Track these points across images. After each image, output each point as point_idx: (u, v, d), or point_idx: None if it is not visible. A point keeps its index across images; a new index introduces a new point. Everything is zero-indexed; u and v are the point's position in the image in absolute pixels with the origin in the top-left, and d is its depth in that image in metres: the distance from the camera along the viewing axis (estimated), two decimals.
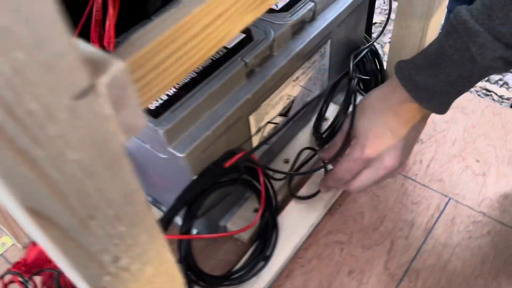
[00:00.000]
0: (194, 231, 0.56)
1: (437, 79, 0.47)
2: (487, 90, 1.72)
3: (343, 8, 0.57)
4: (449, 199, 0.58)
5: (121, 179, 0.22)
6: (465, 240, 0.54)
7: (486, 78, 1.75)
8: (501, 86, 1.74)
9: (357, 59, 0.61)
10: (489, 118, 0.67)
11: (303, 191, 0.59)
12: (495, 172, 0.61)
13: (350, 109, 0.55)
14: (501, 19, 0.41)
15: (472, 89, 1.73)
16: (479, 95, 1.70)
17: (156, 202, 0.60)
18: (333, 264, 0.53)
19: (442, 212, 0.57)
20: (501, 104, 1.68)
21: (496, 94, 1.70)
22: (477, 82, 0.48)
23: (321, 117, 0.64)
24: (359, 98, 0.68)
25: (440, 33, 0.48)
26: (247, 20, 0.33)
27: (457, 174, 0.61)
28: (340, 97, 0.70)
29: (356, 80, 0.57)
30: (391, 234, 0.56)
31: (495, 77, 1.75)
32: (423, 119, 0.53)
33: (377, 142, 0.49)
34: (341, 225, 0.57)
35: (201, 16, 0.29)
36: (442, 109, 0.50)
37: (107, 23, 0.47)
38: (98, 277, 0.24)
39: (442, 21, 0.63)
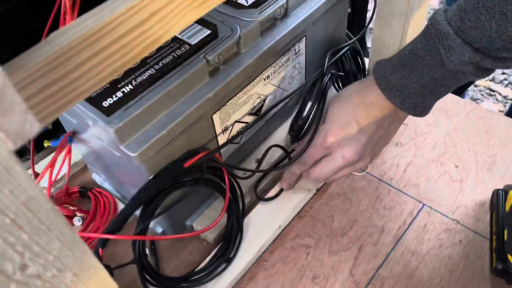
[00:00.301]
0: (159, 230, 0.55)
1: (410, 80, 0.46)
2: (491, 90, 1.68)
3: (318, 5, 0.55)
4: (423, 205, 0.57)
5: (16, 186, 0.21)
6: (435, 248, 0.53)
7: (491, 77, 1.71)
8: (506, 86, 1.69)
9: (335, 57, 0.60)
10: (473, 122, 0.65)
11: (272, 194, 0.57)
12: (474, 178, 0.59)
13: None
14: (472, 22, 0.40)
15: (475, 88, 1.69)
16: (482, 94, 1.66)
17: (124, 199, 0.60)
18: (297, 268, 0.52)
19: (414, 218, 0.55)
20: (504, 105, 1.64)
21: (500, 94, 1.66)
22: (453, 87, 0.46)
23: (299, 116, 0.63)
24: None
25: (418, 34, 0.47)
26: (189, 19, 0.32)
27: (433, 179, 0.59)
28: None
29: (329, 75, 0.56)
30: (360, 239, 0.54)
31: (499, 76, 1.70)
32: (396, 121, 0.51)
33: (341, 131, 0.49)
34: (309, 229, 0.55)
35: (130, 14, 0.27)
36: (418, 112, 0.48)
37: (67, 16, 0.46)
38: (4, 285, 0.23)
39: (425, 20, 0.60)
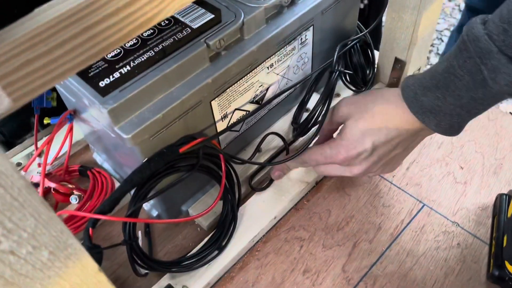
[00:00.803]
0: (155, 213, 0.55)
1: (446, 102, 0.41)
2: None
3: None
4: (423, 205, 0.55)
5: None
6: (432, 250, 0.51)
7: None
8: None
9: (343, 50, 0.58)
10: (483, 123, 0.63)
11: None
12: (478, 181, 0.57)
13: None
14: None
15: None
16: None
17: (122, 180, 0.60)
18: (289, 260, 0.52)
19: (413, 218, 0.54)
20: None
21: None
22: (493, 105, 0.42)
23: (302, 107, 0.62)
24: (345, 92, 0.65)
25: (451, 49, 0.42)
26: (184, 0, 0.31)
27: (436, 179, 0.58)
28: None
29: (337, 73, 0.54)
30: (356, 236, 0.53)
31: None
32: (419, 139, 0.48)
33: (354, 151, 0.47)
34: (305, 221, 0.55)
35: None
36: (453, 131, 0.44)
37: None
38: None
39: (438, 16, 0.58)
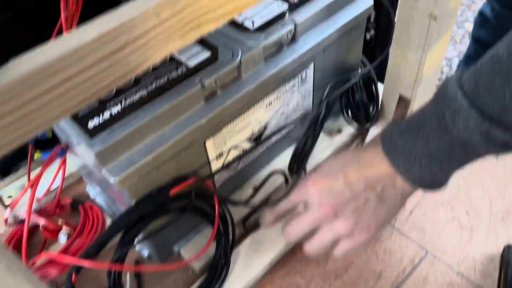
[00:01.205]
0: (146, 252, 0.53)
1: (416, 145, 0.40)
2: None
3: (330, 31, 0.52)
4: (427, 252, 0.53)
5: None
6: None
7: None
8: None
9: (341, 90, 0.56)
10: (491, 165, 0.60)
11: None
12: (485, 228, 0.54)
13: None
14: (485, 86, 0.35)
15: None
16: None
17: (115, 216, 0.58)
18: None
19: (416, 266, 0.51)
20: None
21: None
22: (466, 162, 0.40)
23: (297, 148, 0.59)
24: (347, 128, 0.63)
25: None
26: (170, 49, 0.29)
27: (441, 225, 0.55)
28: (331, 123, 0.65)
29: (323, 112, 0.53)
30: (354, 284, 0.51)
31: None
32: (391, 189, 0.44)
33: (324, 180, 0.44)
34: (302, 267, 0.52)
35: (100, 43, 0.25)
36: (425, 184, 0.42)
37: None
38: None
39: (444, 54, 0.57)
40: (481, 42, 1.06)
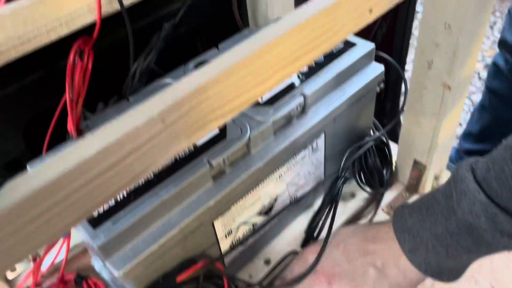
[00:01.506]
0: None
1: (424, 225, 0.39)
2: None
3: (340, 101, 0.51)
4: None
5: None
6: None
7: None
8: None
9: (355, 155, 0.55)
10: None
11: None
12: None
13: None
14: (496, 172, 0.34)
15: None
16: None
17: None
18: None
19: None
20: None
21: None
22: (473, 252, 0.38)
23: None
24: (360, 193, 0.61)
25: None
26: (175, 151, 0.28)
27: None
28: (344, 188, 0.63)
29: (342, 179, 0.51)
30: None
31: None
32: (394, 267, 0.42)
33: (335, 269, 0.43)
34: None
35: (101, 157, 0.24)
36: (433, 270, 0.40)
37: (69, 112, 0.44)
38: None
39: (459, 119, 0.55)
40: (495, 93, 1.05)
